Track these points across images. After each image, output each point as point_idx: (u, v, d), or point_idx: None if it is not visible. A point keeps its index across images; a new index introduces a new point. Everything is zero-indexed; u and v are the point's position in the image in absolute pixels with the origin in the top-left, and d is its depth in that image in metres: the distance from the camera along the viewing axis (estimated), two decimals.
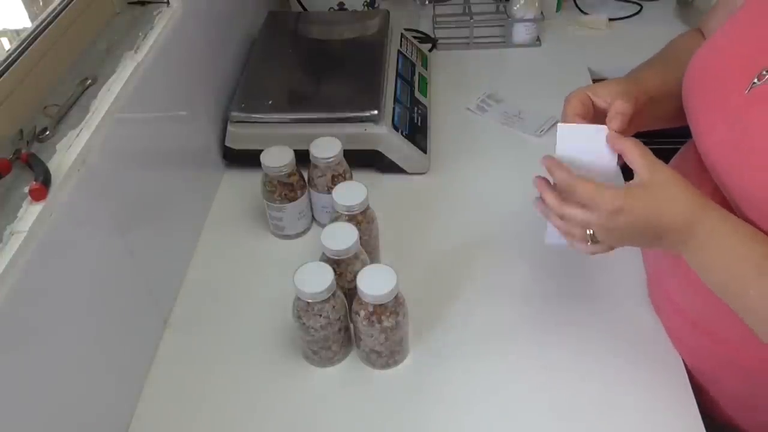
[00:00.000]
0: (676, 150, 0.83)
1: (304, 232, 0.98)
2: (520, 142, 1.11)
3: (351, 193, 0.83)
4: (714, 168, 0.66)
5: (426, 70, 1.24)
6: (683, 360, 0.79)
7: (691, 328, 0.76)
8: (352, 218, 0.83)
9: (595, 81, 1.24)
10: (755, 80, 0.61)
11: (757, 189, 0.60)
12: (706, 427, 0.72)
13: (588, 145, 0.69)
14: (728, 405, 0.78)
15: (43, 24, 0.75)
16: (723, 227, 0.60)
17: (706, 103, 0.68)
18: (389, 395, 0.78)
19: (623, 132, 0.68)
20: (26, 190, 0.61)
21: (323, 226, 0.91)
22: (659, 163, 0.63)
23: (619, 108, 0.68)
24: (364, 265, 0.79)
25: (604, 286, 0.87)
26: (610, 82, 0.74)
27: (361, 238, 0.79)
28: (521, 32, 1.33)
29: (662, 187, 0.61)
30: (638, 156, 0.63)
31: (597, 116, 0.72)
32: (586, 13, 1.42)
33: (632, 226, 0.62)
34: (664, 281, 0.80)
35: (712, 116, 0.67)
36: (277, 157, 0.90)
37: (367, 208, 0.84)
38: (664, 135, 0.81)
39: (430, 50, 1.33)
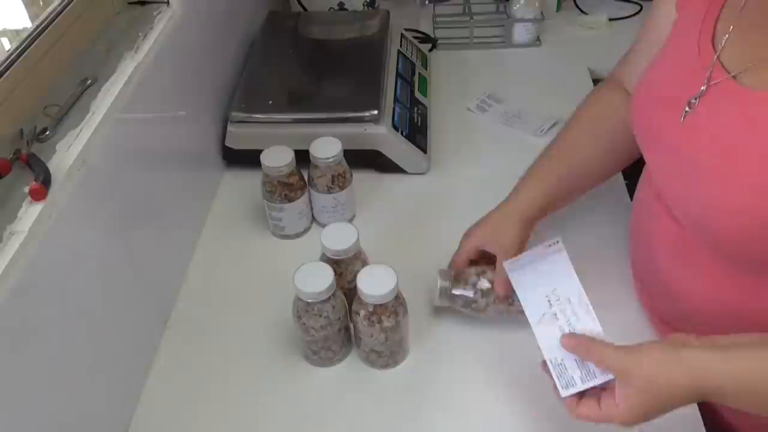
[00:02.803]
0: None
1: (304, 232, 0.98)
2: (520, 142, 1.11)
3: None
4: (662, 197, 0.69)
5: (426, 70, 1.24)
6: None
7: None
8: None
9: (595, 81, 1.24)
10: (687, 109, 0.64)
11: (701, 217, 0.63)
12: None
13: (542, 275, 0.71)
14: (728, 408, 0.78)
15: (43, 24, 0.75)
16: (728, 373, 0.58)
17: (649, 135, 0.71)
18: (389, 395, 0.78)
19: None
20: (26, 190, 0.61)
21: (323, 226, 0.92)
22: (620, 348, 0.61)
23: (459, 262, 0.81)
24: (364, 265, 0.79)
25: (605, 288, 0.87)
26: (471, 238, 0.82)
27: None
28: (521, 32, 1.33)
29: (640, 370, 0.59)
30: (603, 352, 0.61)
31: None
32: (586, 13, 1.42)
33: (653, 411, 0.60)
34: (655, 297, 0.81)
35: (654, 148, 0.70)
36: (277, 158, 0.90)
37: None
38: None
39: (430, 50, 1.33)
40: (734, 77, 0.61)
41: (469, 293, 0.79)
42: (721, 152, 0.61)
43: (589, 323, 0.66)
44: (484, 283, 0.79)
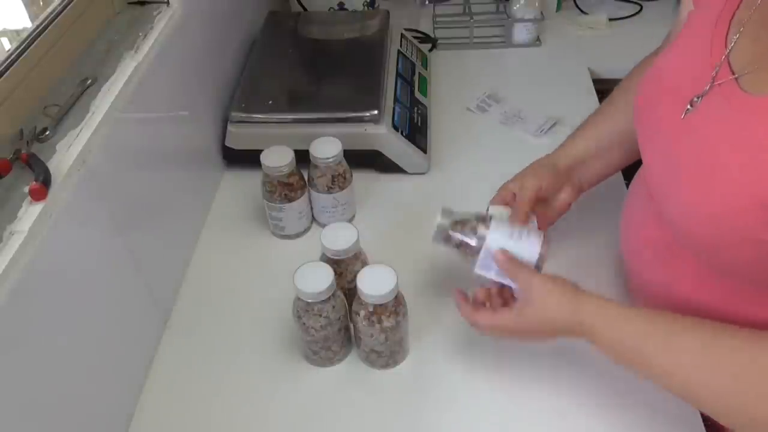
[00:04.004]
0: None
1: (304, 232, 0.98)
2: (520, 142, 1.11)
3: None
4: (653, 195, 0.70)
5: (426, 70, 1.24)
6: None
7: None
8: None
9: (595, 81, 1.24)
10: (688, 106, 0.63)
11: (680, 219, 0.64)
12: None
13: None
14: None
15: (43, 24, 0.75)
16: (602, 319, 0.66)
17: (649, 126, 0.71)
18: (389, 395, 0.78)
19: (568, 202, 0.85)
20: (26, 190, 0.61)
21: (323, 226, 0.92)
22: (535, 276, 0.70)
23: (519, 206, 0.81)
24: (364, 265, 0.79)
25: (605, 287, 0.87)
26: (520, 178, 0.85)
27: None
28: (521, 32, 1.33)
29: (542, 300, 0.68)
30: (518, 275, 0.71)
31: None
32: (586, 13, 1.42)
33: (533, 336, 0.72)
34: (638, 293, 0.82)
35: (650, 139, 0.70)
36: (277, 158, 0.90)
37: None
38: None
39: (430, 50, 1.33)
40: (737, 79, 0.59)
41: (468, 238, 0.76)
42: (707, 155, 0.60)
43: (528, 248, 0.73)
44: (483, 231, 0.76)
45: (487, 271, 0.74)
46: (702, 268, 0.66)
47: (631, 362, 0.65)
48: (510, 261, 0.71)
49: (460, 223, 0.76)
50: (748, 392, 0.57)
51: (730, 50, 0.61)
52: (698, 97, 0.62)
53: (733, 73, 0.60)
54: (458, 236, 0.76)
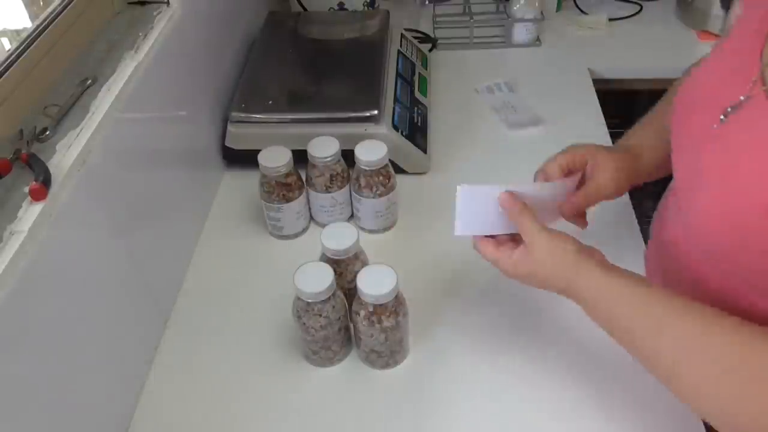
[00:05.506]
0: None
1: (302, 232, 0.98)
2: (519, 142, 1.11)
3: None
4: (681, 206, 0.69)
5: (426, 70, 1.24)
6: None
7: None
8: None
9: (594, 81, 1.24)
10: (722, 117, 0.63)
11: (698, 227, 0.64)
12: None
13: (489, 207, 0.72)
14: None
15: (43, 24, 0.75)
16: (593, 289, 0.66)
17: (679, 136, 0.70)
18: (389, 395, 0.78)
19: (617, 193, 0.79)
20: (26, 190, 0.61)
21: (322, 225, 0.92)
22: (542, 231, 0.68)
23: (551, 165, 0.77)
24: (364, 265, 0.79)
25: None
26: (570, 149, 0.80)
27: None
28: (521, 32, 1.33)
29: (542, 259, 0.68)
30: (525, 222, 0.69)
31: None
32: (586, 13, 1.42)
33: (527, 282, 0.71)
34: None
35: (681, 150, 0.70)
36: (275, 158, 0.90)
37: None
38: None
39: (430, 50, 1.33)
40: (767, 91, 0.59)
41: None
42: (729, 163, 0.60)
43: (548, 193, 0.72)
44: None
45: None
46: (721, 286, 0.65)
47: (620, 340, 0.65)
48: (513, 203, 0.70)
49: None
50: (734, 389, 0.56)
51: (766, 63, 0.61)
52: (732, 108, 0.62)
53: (764, 84, 0.60)
54: None
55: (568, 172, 0.78)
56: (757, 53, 0.62)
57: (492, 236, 0.73)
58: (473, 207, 0.72)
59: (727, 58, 0.68)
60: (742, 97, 0.61)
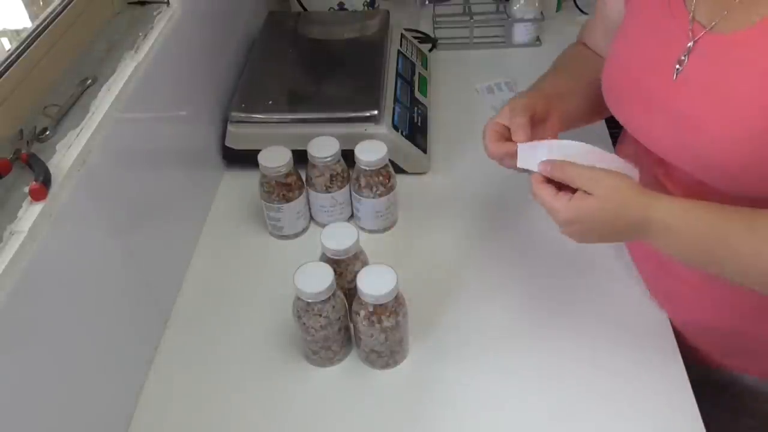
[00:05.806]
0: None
1: (302, 232, 0.98)
2: None
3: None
4: (663, 153, 0.71)
5: (426, 70, 1.24)
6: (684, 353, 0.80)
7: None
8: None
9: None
10: (677, 67, 0.68)
11: (702, 158, 0.66)
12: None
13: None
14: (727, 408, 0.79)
15: (43, 24, 0.75)
16: (676, 210, 0.65)
17: (634, 97, 0.73)
18: (389, 395, 0.78)
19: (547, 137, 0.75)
20: (26, 190, 0.61)
21: (322, 225, 0.92)
22: (602, 173, 0.66)
23: (515, 123, 0.75)
24: (364, 265, 0.79)
25: (604, 286, 0.87)
26: (509, 103, 0.80)
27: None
28: (521, 32, 1.33)
29: (610, 195, 0.65)
30: (579, 174, 0.67)
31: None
32: (586, 13, 1.42)
33: (589, 231, 0.68)
34: (650, 271, 0.84)
35: (644, 108, 0.72)
36: (275, 158, 0.90)
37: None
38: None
39: (430, 50, 1.33)
40: (712, 29, 0.65)
41: None
42: (718, 96, 0.64)
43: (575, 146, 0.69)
44: None
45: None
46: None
47: (712, 255, 0.64)
48: (556, 164, 0.68)
49: None
50: None
51: (693, 10, 0.67)
52: (684, 56, 0.67)
53: (705, 27, 0.66)
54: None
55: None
56: (680, 4, 0.68)
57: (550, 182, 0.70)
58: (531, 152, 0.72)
59: (650, 22, 0.72)
60: (690, 44, 0.67)
